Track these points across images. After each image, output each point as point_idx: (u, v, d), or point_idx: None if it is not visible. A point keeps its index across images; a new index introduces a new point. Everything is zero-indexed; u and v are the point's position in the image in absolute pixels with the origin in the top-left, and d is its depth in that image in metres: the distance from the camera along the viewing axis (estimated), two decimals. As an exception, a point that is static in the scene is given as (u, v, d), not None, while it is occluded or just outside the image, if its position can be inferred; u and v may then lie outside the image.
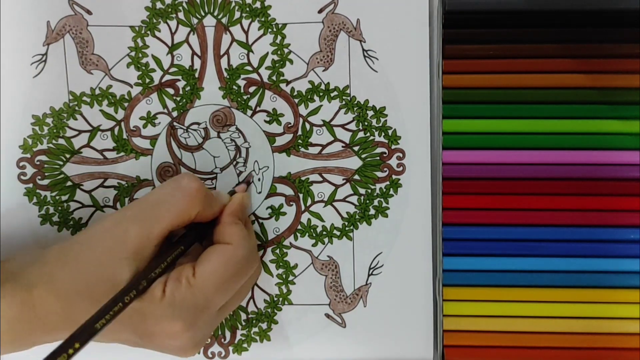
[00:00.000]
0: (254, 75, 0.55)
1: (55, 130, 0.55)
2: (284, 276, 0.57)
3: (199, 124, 0.55)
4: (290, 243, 0.57)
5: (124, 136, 0.55)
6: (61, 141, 0.55)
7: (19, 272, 0.48)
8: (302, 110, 0.55)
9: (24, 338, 0.47)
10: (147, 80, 0.55)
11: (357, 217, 0.56)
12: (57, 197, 0.56)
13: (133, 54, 0.54)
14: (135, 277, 0.46)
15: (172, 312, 0.46)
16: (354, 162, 0.56)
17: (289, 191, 0.56)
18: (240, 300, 0.55)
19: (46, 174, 0.56)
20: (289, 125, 0.55)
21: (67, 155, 0.55)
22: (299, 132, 0.55)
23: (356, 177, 0.56)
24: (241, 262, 0.49)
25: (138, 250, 0.47)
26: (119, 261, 0.46)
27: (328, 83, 0.55)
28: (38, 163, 0.55)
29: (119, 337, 0.48)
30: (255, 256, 0.52)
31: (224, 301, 0.49)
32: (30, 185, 0.56)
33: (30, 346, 0.48)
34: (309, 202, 0.56)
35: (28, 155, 0.55)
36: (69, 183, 0.56)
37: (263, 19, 0.54)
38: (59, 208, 0.56)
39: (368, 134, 0.55)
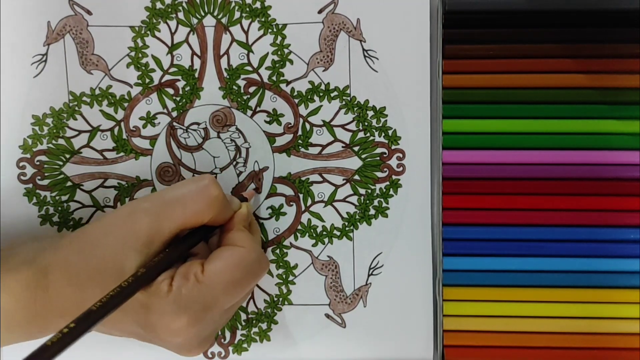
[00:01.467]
0: (254, 76, 0.55)
1: (55, 131, 0.55)
2: (283, 276, 0.57)
3: (198, 124, 0.55)
4: (291, 243, 0.57)
5: (124, 136, 0.55)
6: (61, 141, 0.55)
7: (35, 256, 0.49)
8: (302, 111, 0.55)
9: (39, 321, 0.48)
10: (147, 81, 0.55)
11: (357, 217, 0.56)
12: (57, 198, 0.56)
13: (133, 54, 0.54)
14: (140, 268, 0.46)
15: (177, 307, 0.46)
16: (354, 163, 0.56)
17: (289, 191, 0.56)
18: (244, 301, 0.55)
19: (46, 174, 0.56)
20: (289, 126, 0.55)
21: (67, 156, 0.55)
22: (299, 133, 0.55)
23: (356, 177, 0.56)
24: (253, 265, 0.49)
25: (147, 243, 0.47)
26: (128, 251, 0.46)
27: (328, 83, 0.55)
28: (38, 163, 0.55)
29: (126, 328, 0.48)
30: (266, 259, 0.52)
31: (231, 302, 0.49)
32: (30, 185, 0.56)
33: (47, 331, 0.49)
34: (309, 202, 0.56)
35: (28, 156, 0.55)
36: (69, 183, 0.56)
37: (263, 19, 0.54)
38: (59, 208, 0.56)
39: (368, 134, 0.55)
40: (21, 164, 0.55)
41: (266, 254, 0.56)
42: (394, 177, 0.55)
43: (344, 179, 0.56)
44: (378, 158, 0.55)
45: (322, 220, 0.56)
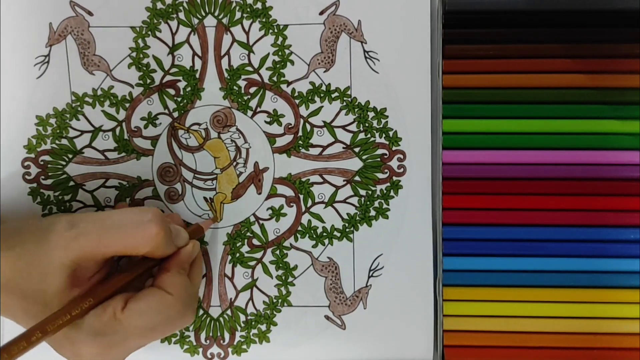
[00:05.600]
0: (255, 76, 0.55)
1: (58, 131, 0.55)
2: (283, 277, 0.57)
3: (199, 124, 0.56)
4: (291, 244, 0.56)
5: (125, 136, 0.56)
6: (64, 141, 0.56)
7: None
8: (303, 111, 0.55)
9: None
10: (148, 81, 0.55)
11: (357, 218, 0.56)
12: (60, 197, 0.56)
13: (134, 54, 0.55)
14: (64, 288, 0.46)
15: (87, 337, 0.46)
16: (355, 164, 0.56)
17: (289, 192, 0.56)
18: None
19: (49, 173, 0.56)
20: (290, 126, 0.55)
21: (70, 156, 0.56)
22: (300, 133, 0.55)
23: (357, 178, 0.56)
24: (176, 315, 0.49)
25: (78, 261, 0.46)
26: (56, 265, 0.46)
27: (329, 84, 0.55)
28: (42, 163, 0.56)
29: None
30: (192, 308, 0.51)
31: (143, 345, 0.49)
32: (35, 184, 0.56)
33: None
34: (310, 203, 0.56)
35: (32, 155, 0.56)
36: (72, 183, 0.56)
37: (264, 20, 0.54)
38: (62, 207, 0.56)
39: (369, 136, 0.55)
40: (26, 163, 0.56)
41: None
42: (394, 178, 0.55)
43: (344, 180, 0.56)
44: (379, 159, 0.55)
45: (322, 221, 0.56)
